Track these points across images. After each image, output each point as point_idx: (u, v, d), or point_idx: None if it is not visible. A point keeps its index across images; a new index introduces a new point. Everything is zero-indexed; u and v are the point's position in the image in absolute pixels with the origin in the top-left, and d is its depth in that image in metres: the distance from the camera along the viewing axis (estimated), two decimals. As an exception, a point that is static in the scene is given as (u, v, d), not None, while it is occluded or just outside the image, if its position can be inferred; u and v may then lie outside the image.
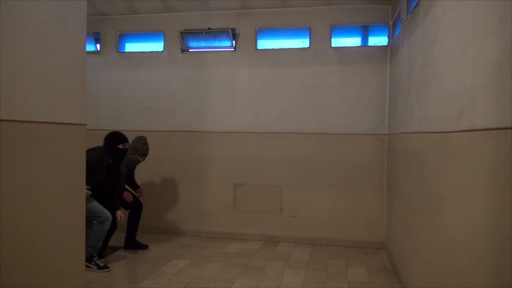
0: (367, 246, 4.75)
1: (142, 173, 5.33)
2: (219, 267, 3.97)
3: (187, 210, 5.22)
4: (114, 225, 4.16)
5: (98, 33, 5.44)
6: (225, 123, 5.13)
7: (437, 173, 2.45)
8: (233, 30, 5.05)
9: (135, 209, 4.51)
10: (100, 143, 5.60)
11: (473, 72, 1.90)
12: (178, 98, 5.24)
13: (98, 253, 3.85)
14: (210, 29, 5.04)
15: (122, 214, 3.97)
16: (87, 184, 3.54)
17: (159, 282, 3.54)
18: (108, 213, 3.78)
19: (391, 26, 4.70)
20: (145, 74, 5.34)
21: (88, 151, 3.62)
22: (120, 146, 3.82)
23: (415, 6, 3.27)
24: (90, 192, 3.66)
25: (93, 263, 3.75)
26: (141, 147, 4.37)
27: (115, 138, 3.84)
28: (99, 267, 3.75)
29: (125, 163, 4.29)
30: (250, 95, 5.07)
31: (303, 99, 4.93)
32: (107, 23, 5.39)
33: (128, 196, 4.41)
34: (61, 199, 2.36)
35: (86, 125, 2.55)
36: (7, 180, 1.97)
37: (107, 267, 3.79)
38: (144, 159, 4.45)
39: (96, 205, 3.75)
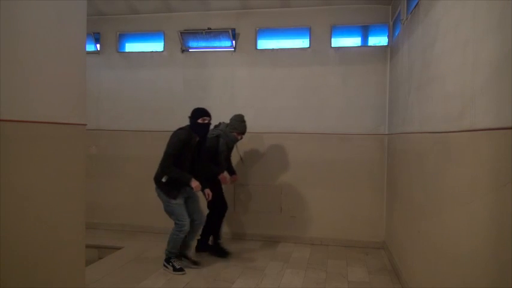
0: (367, 246, 4.75)
1: (142, 173, 5.33)
2: (219, 267, 3.97)
3: (187, 210, 5.21)
4: (225, 205, 4.36)
5: (98, 33, 5.44)
6: (225, 123, 5.12)
7: (437, 173, 2.45)
8: (233, 30, 5.05)
9: (219, 210, 4.36)
10: (99, 142, 5.62)
11: (473, 72, 1.90)
12: (178, 98, 5.24)
13: (176, 256, 3.81)
14: (210, 29, 5.04)
15: (210, 192, 3.88)
16: (174, 163, 3.66)
17: (159, 282, 3.54)
18: (187, 221, 3.71)
19: (391, 26, 4.70)
20: (145, 74, 5.33)
21: (178, 130, 3.78)
22: (200, 121, 3.77)
23: (415, 6, 3.27)
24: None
25: (170, 264, 3.75)
26: (239, 125, 4.24)
27: (195, 113, 3.82)
28: (175, 269, 3.72)
29: (225, 141, 4.21)
30: (250, 95, 5.07)
31: (303, 99, 4.93)
32: (107, 23, 5.39)
33: (224, 178, 4.27)
34: (61, 199, 2.35)
35: (86, 125, 2.55)
36: (7, 180, 1.97)
37: (182, 270, 3.73)
38: (242, 137, 4.31)
39: (180, 208, 3.71)
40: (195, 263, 3.94)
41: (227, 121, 4.36)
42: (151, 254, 4.35)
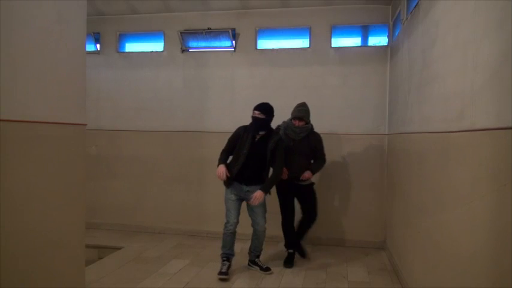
0: (367, 246, 4.74)
1: (142, 173, 5.33)
2: (219, 267, 3.96)
3: (187, 210, 5.22)
4: (314, 214, 4.19)
5: (98, 33, 5.44)
6: (225, 123, 5.10)
7: (437, 173, 2.45)
8: (233, 30, 5.05)
9: (307, 218, 4.28)
10: (99, 142, 5.61)
11: (473, 72, 1.90)
12: (178, 98, 5.23)
13: (227, 258, 3.80)
14: (210, 29, 5.04)
15: (257, 196, 3.69)
16: (230, 157, 3.77)
17: (159, 282, 3.54)
18: (231, 220, 3.77)
19: (391, 26, 4.70)
20: (145, 74, 5.33)
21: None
22: (252, 114, 3.76)
23: (415, 6, 3.27)
24: (227, 176, 3.66)
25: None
26: (295, 110, 3.98)
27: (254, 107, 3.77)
28: (220, 273, 3.69)
29: (283, 130, 4.03)
30: (250, 95, 5.05)
31: (303, 99, 4.90)
32: (107, 23, 5.39)
33: (283, 172, 3.97)
34: (61, 199, 2.36)
35: (86, 125, 2.56)
36: (7, 180, 1.97)
37: (225, 274, 3.67)
38: (299, 123, 3.95)
39: (228, 204, 3.80)
40: (266, 270, 3.85)
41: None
42: (151, 254, 4.35)
